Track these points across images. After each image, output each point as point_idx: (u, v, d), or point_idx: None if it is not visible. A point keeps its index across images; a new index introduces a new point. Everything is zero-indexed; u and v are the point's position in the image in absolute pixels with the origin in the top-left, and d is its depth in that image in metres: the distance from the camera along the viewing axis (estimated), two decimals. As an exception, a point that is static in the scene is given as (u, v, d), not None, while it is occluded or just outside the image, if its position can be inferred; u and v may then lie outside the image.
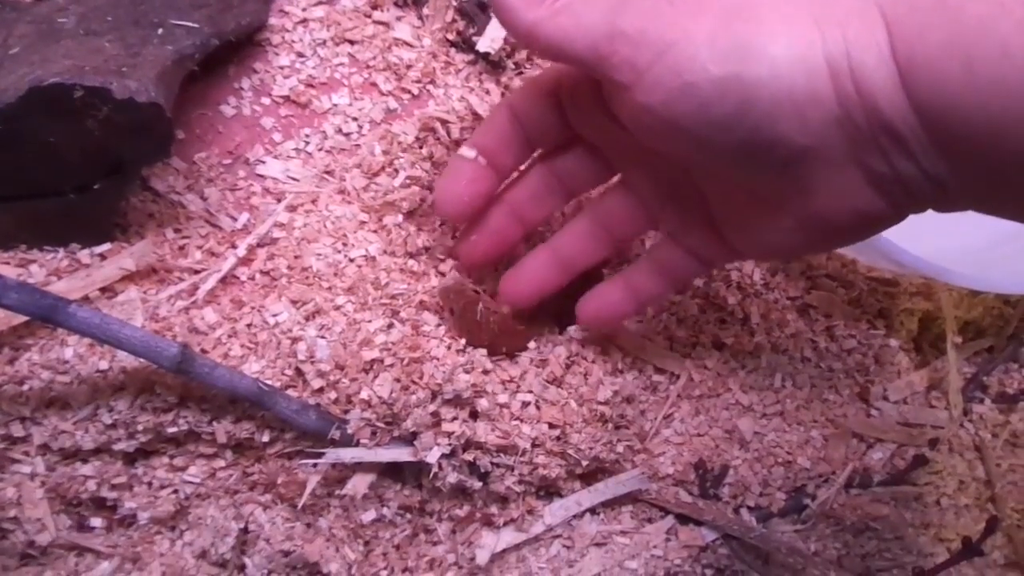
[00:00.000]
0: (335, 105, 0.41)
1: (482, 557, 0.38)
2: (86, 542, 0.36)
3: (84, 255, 0.35)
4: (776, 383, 0.45)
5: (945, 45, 0.23)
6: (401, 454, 0.36)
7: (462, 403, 0.36)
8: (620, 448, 0.39)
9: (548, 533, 0.40)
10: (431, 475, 0.36)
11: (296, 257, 0.38)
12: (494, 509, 0.38)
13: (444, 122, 0.41)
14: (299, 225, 0.39)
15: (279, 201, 0.39)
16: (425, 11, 0.44)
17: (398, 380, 0.35)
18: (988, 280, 0.43)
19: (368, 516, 0.37)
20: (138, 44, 0.33)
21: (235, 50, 0.40)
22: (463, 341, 0.37)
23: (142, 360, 0.33)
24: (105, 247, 0.36)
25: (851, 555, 0.44)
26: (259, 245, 0.39)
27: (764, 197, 0.29)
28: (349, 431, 0.35)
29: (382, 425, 0.35)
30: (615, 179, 0.36)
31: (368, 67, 0.42)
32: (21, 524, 0.35)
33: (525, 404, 0.37)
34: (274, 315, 0.36)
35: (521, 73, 0.45)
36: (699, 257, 0.35)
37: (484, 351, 0.37)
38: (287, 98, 0.41)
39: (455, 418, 0.35)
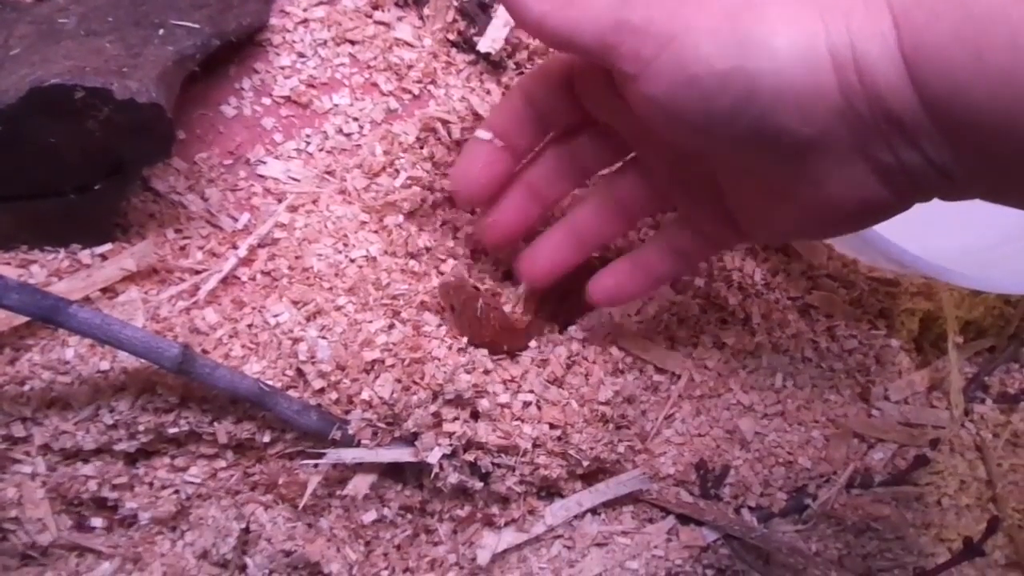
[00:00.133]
0: (336, 105, 0.41)
1: (483, 557, 0.38)
2: (87, 542, 0.36)
3: (85, 255, 0.35)
4: (777, 383, 0.45)
5: (954, 35, 0.23)
6: (402, 454, 0.36)
7: (463, 403, 0.36)
8: (621, 448, 0.39)
9: (549, 533, 0.40)
10: (432, 475, 0.36)
11: (297, 257, 0.38)
12: (495, 509, 0.38)
13: (445, 122, 0.41)
14: (300, 225, 0.39)
15: (280, 201, 0.39)
16: (426, 11, 0.44)
17: (399, 380, 0.35)
18: (989, 280, 0.43)
19: (369, 516, 0.37)
20: (139, 44, 0.33)
21: (236, 50, 0.40)
22: (464, 340, 0.37)
23: (143, 361, 0.33)
24: (106, 247, 0.36)
25: (852, 555, 0.44)
26: (260, 245, 0.38)
27: (772, 184, 0.29)
28: (350, 431, 0.35)
29: (383, 425, 0.35)
30: (628, 157, 0.37)
31: (369, 67, 0.42)
32: (22, 524, 0.35)
33: (526, 404, 0.37)
34: (275, 315, 0.36)
35: (522, 73, 0.45)
36: (709, 238, 0.35)
37: (485, 351, 0.37)
38: (288, 98, 0.41)
39: (456, 418, 0.36)
